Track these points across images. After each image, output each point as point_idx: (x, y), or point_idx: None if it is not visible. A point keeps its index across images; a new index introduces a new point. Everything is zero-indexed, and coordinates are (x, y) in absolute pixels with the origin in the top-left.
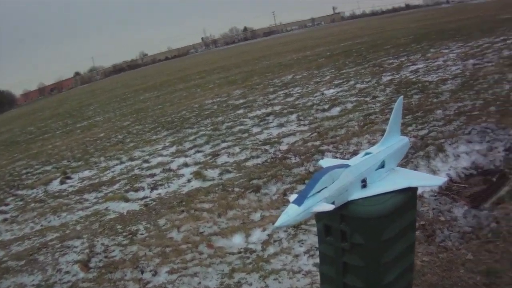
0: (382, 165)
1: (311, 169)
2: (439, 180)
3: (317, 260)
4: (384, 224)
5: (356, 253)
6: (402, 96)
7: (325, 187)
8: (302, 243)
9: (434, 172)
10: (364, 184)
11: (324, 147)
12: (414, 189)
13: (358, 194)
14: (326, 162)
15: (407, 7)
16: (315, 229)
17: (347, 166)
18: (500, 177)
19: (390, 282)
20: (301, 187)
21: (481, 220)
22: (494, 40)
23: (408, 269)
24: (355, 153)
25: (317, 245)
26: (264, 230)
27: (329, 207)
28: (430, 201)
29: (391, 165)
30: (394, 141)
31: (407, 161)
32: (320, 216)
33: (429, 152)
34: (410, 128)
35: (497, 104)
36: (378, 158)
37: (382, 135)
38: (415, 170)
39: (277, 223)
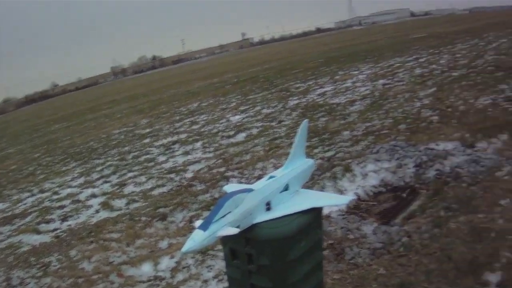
0: (286, 188)
1: (216, 195)
2: (344, 199)
3: (226, 284)
4: (289, 244)
5: (263, 274)
6: (306, 120)
7: (230, 212)
8: (211, 268)
9: (341, 192)
10: (268, 207)
11: (229, 173)
12: (319, 209)
13: (262, 217)
14: (230, 187)
15: (318, 30)
16: (222, 254)
17: (250, 190)
18: (410, 192)
19: None
20: (207, 214)
21: (392, 236)
22: (406, 59)
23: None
24: (260, 177)
25: (225, 270)
26: (172, 257)
27: (234, 231)
28: (338, 220)
29: (296, 187)
30: (298, 164)
31: (313, 183)
32: (225, 240)
33: (336, 173)
34: (316, 150)
35: (407, 122)
36: (281, 181)
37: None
38: (322, 191)
39: (184, 249)
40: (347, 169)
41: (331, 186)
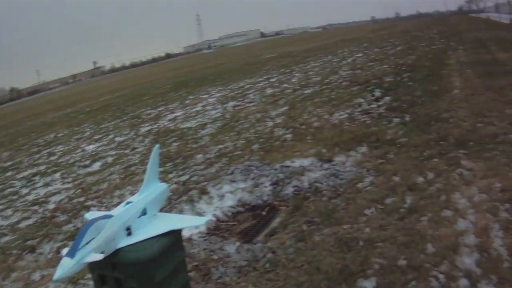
0: (144, 212)
1: (79, 225)
2: (201, 220)
3: None
4: (154, 266)
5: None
6: (158, 145)
7: (93, 238)
8: None
9: (200, 214)
10: (129, 232)
11: (89, 202)
12: (178, 231)
13: (124, 241)
14: (91, 215)
15: (168, 56)
16: (92, 282)
17: (110, 216)
18: (270, 210)
19: None
20: (72, 243)
21: (256, 253)
22: (256, 80)
23: None
24: (118, 204)
25: None
26: None
27: (99, 256)
28: (200, 242)
29: (153, 211)
30: (153, 188)
31: (171, 207)
32: (93, 267)
33: (192, 196)
34: (171, 175)
35: (260, 141)
36: (138, 206)
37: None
38: (180, 214)
39: (54, 277)
40: (203, 192)
41: (189, 209)
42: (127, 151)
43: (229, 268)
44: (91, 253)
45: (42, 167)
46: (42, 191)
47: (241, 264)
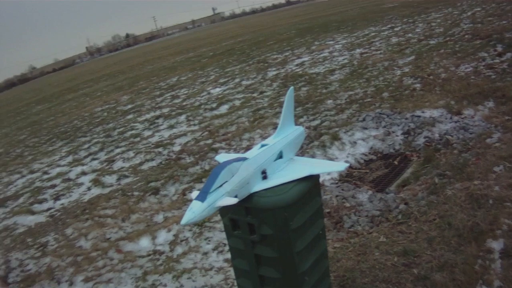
0: (280, 156)
1: (207, 167)
2: (340, 165)
3: (227, 256)
4: (290, 213)
5: (267, 244)
6: (292, 87)
7: (226, 181)
8: (209, 241)
9: (332, 160)
10: (264, 175)
11: (217, 145)
12: (316, 176)
13: (260, 185)
14: (222, 157)
15: (288, 3)
16: (219, 225)
17: (244, 159)
18: (402, 159)
19: (305, 271)
20: (199, 186)
21: (389, 203)
22: (381, 28)
23: (323, 256)
24: (248, 148)
25: (224, 241)
26: (169, 231)
27: (233, 200)
28: (332, 189)
29: (289, 155)
30: (289, 131)
31: (303, 152)
32: (224, 211)
33: (324, 142)
34: (301, 120)
35: (390, 90)
36: (275, 149)
37: (274, 129)
38: (315, 159)
39: (183, 221)
40: (335, 138)
41: (321, 155)
42: (255, 95)
43: (361, 217)
44: (224, 197)
45: (165, 110)
46: (166, 134)
47: (374, 213)
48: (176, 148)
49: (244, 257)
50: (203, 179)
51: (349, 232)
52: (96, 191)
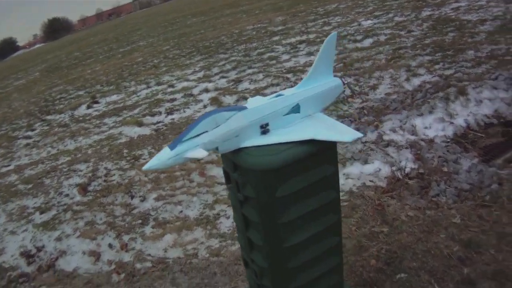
0: (297, 110)
1: None
2: (350, 135)
3: None
4: (278, 178)
5: (251, 206)
6: (335, 33)
7: (206, 132)
8: None
9: (451, 115)
10: (264, 130)
11: (346, 80)
12: (331, 144)
13: (253, 141)
14: (254, 100)
15: None
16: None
17: (242, 108)
18: None
19: (295, 245)
20: None
21: (484, 178)
22: None
23: (325, 233)
24: (374, 87)
25: None
26: None
27: (202, 154)
28: (439, 148)
29: (310, 110)
30: (319, 83)
31: (423, 101)
32: (223, 160)
33: (449, 94)
34: (437, 66)
35: None
36: (288, 102)
37: (407, 70)
38: (431, 111)
39: (145, 166)
40: (462, 92)
41: (441, 108)
42: (402, 32)
43: (450, 188)
44: (197, 148)
45: (312, 36)
46: (302, 60)
47: (464, 187)
48: (305, 76)
49: (236, 213)
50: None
51: (431, 202)
52: (210, 109)
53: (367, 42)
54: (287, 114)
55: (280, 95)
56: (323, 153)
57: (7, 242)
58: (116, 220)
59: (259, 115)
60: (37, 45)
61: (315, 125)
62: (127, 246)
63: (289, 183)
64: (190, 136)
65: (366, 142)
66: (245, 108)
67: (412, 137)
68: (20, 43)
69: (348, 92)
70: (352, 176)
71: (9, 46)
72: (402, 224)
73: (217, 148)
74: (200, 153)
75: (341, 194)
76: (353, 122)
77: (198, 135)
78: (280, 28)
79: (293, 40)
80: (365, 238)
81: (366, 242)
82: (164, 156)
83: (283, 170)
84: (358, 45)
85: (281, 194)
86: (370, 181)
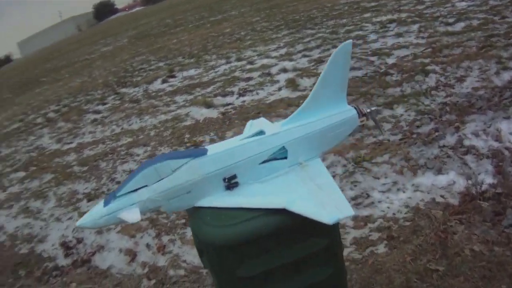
0: (284, 155)
1: (408, 90)
2: (337, 213)
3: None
4: (236, 257)
5: (214, 278)
6: (350, 41)
7: (145, 186)
8: (354, 186)
9: None
10: (230, 184)
11: (432, 67)
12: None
13: (212, 199)
14: (258, 122)
15: None
16: (375, 169)
17: (202, 153)
18: None
19: None
20: (388, 112)
21: None
22: None
23: None
24: (460, 79)
25: (369, 191)
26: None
27: (134, 217)
28: None
29: (303, 155)
30: (324, 114)
31: (497, 109)
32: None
33: None
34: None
35: None
36: (268, 145)
37: (497, 62)
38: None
39: (78, 222)
40: None
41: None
42: (496, 18)
43: None
44: (133, 206)
45: (403, 15)
46: (390, 41)
47: None
48: (391, 60)
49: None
50: (394, 106)
51: (501, 235)
52: (284, 93)
53: (459, 26)
54: (266, 161)
55: (261, 133)
56: (309, 224)
57: (51, 229)
58: (160, 217)
59: (222, 164)
60: (136, 8)
61: (296, 185)
62: (164, 248)
63: (255, 263)
64: (126, 190)
65: (443, 146)
66: (203, 153)
67: (496, 144)
68: (119, 5)
69: (432, 83)
70: (422, 188)
71: (106, 8)
72: (463, 263)
73: (159, 207)
74: (133, 216)
75: (405, 210)
76: (433, 121)
77: (135, 190)
78: (373, 4)
79: (384, 18)
80: (416, 276)
81: (416, 282)
82: (96, 214)
83: (244, 248)
84: (449, 28)
85: (244, 275)
86: (441, 196)
